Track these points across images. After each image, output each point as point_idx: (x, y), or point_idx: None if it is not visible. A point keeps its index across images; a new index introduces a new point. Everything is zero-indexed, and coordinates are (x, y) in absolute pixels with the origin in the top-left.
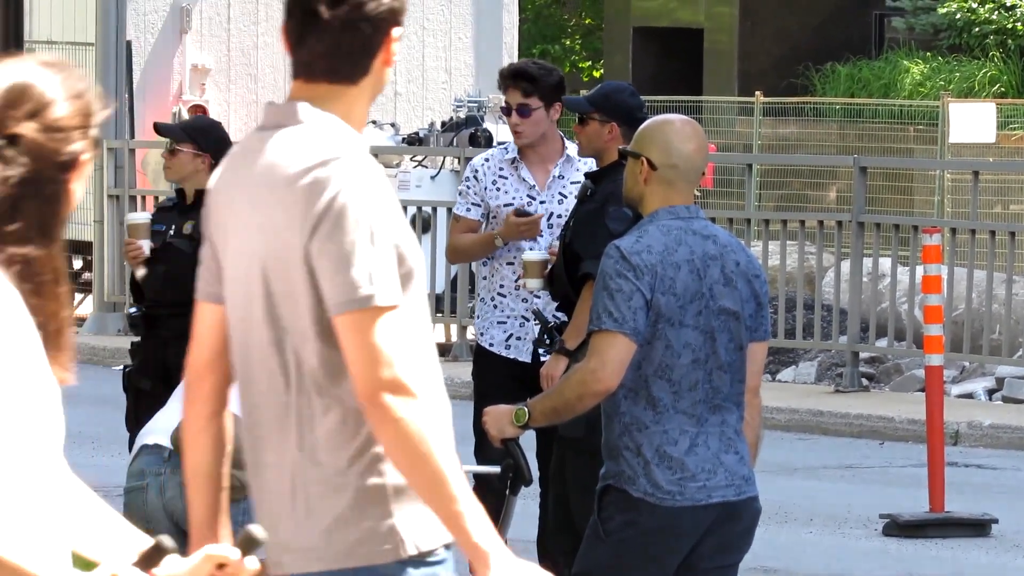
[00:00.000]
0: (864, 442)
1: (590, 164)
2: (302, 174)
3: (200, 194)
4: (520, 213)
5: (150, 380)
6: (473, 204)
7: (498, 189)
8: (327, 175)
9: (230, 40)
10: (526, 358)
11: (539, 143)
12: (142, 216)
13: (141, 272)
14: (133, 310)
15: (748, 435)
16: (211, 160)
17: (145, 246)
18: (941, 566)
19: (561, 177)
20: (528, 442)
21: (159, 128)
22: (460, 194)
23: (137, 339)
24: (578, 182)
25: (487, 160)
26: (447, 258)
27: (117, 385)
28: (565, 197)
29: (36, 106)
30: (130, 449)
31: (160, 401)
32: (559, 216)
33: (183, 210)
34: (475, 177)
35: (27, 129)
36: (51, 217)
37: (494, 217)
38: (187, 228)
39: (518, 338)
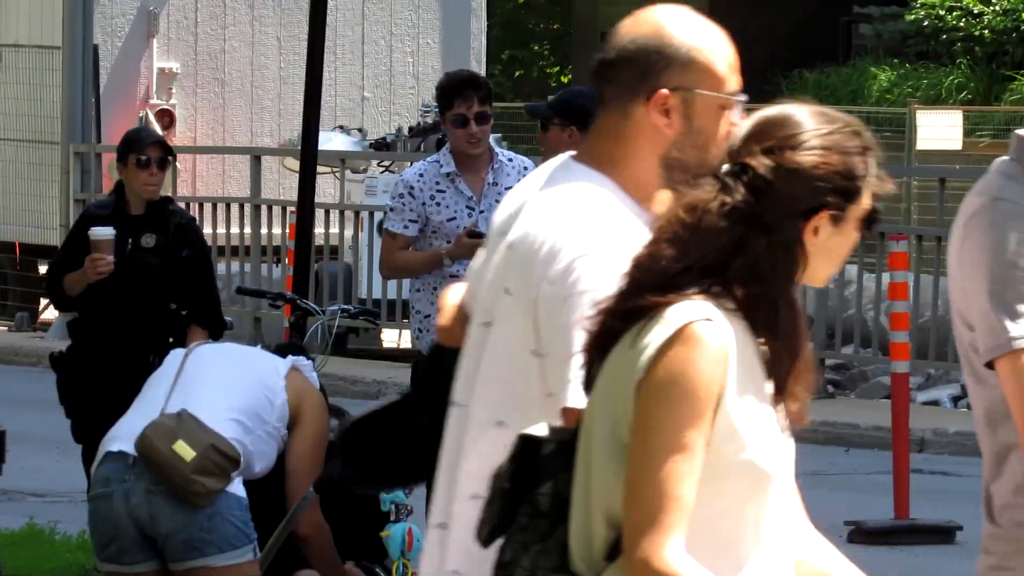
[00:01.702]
0: (830, 449)
1: (519, 168)
2: None
3: (153, 206)
4: (473, 234)
5: (97, 389)
6: (410, 221)
7: (438, 204)
8: None
9: (197, 44)
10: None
11: (482, 152)
12: (107, 231)
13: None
14: (70, 318)
15: None
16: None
17: (112, 261)
18: (907, 573)
19: (495, 184)
20: None
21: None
22: (393, 210)
23: (59, 349)
24: (512, 187)
25: (421, 176)
26: (382, 274)
27: None
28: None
29: (778, 143)
30: (84, 460)
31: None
32: None
33: (132, 221)
34: (410, 193)
35: (759, 162)
36: (774, 262)
37: (433, 232)
38: (147, 241)
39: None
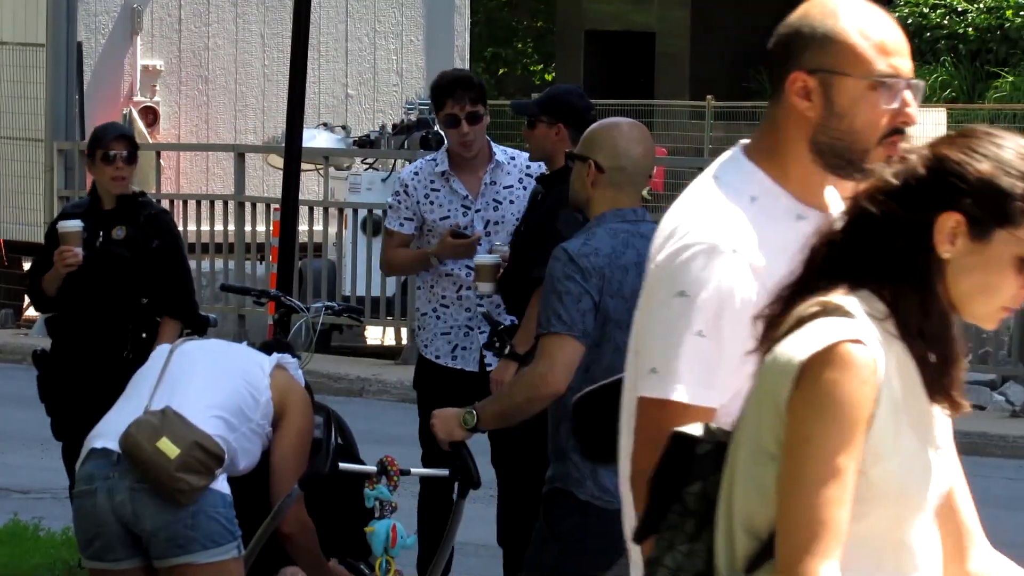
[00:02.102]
0: None
1: (520, 167)
2: None
3: (122, 199)
4: (456, 234)
5: (74, 386)
6: (406, 219)
7: (432, 203)
8: None
9: (181, 42)
10: (473, 367)
11: (478, 152)
12: (75, 224)
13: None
14: (45, 316)
15: None
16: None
17: (80, 254)
18: None
19: (493, 183)
20: (481, 444)
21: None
22: (391, 208)
23: (42, 347)
24: (511, 186)
25: (416, 174)
26: (382, 271)
27: None
28: (500, 203)
29: (952, 143)
30: (64, 457)
31: (86, 405)
32: (495, 223)
33: (104, 216)
34: (405, 192)
35: (917, 154)
36: (914, 260)
37: (429, 231)
38: (118, 233)
39: (463, 348)
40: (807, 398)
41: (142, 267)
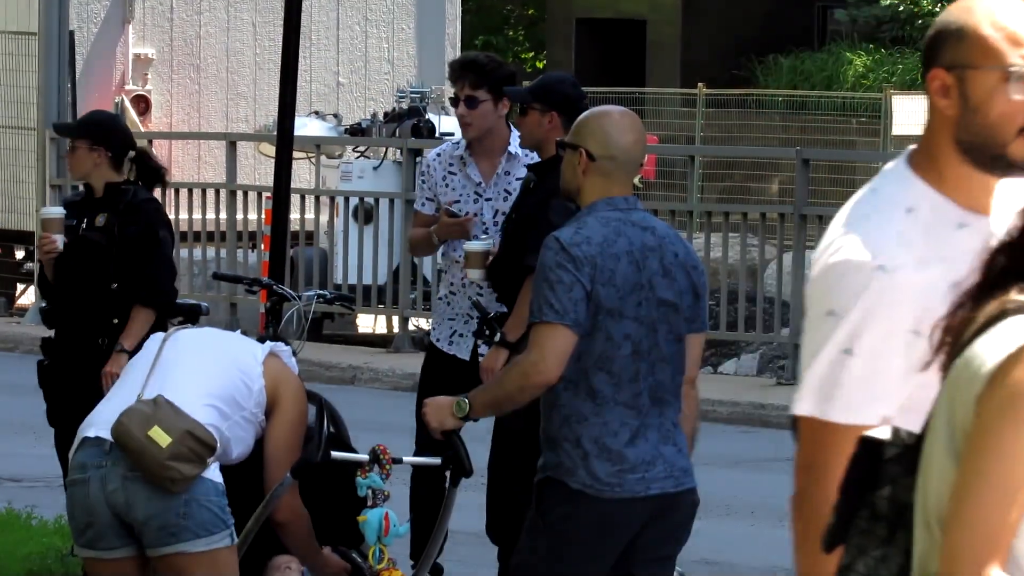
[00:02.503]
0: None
1: (532, 158)
2: None
3: (110, 188)
4: (449, 214)
5: (67, 373)
6: (427, 199)
7: (447, 185)
8: None
9: (173, 30)
10: (465, 355)
11: (486, 137)
12: (56, 210)
13: (49, 267)
14: (43, 305)
15: (685, 427)
16: (108, 153)
17: (59, 240)
18: None
19: (507, 174)
20: (474, 432)
21: (56, 128)
22: (418, 188)
23: (49, 334)
24: (521, 179)
25: (439, 155)
26: (410, 251)
27: None
28: (510, 195)
29: None
30: (56, 445)
31: (81, 393)
32: (504, 213)
33: (92, 204)
34: (428, 172)
35: None
36: None
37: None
38: (99, 220)
39: (461, 335)
40: (997, 397)
41: (115, 254)
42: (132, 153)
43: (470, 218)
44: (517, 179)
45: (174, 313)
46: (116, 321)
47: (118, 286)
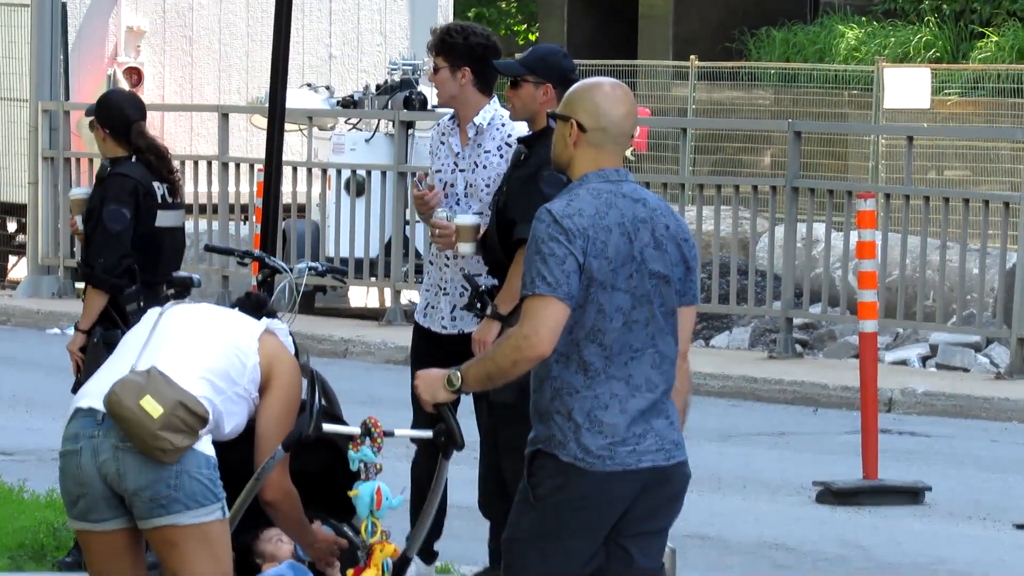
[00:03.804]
0: (798, 409)
1: (503, 135)
2: None
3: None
4: (416, 187)
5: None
6: (431, 170)
7: (435, 155)
8: None
9: (165, 2)
10: (437, 328)
11: (456, 106)
12: (77, 191)
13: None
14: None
15: (677, 401)
16: (105, 130)
17: (78, 221)
18: (875, 533)
19: (479, 146)
20: (467, 405)
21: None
22: None
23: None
24: (488, 151)
25: (438, 125)
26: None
27: (52, 349)
28: (477, 166)
29: None
30: None
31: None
32: (471, 185)
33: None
34: (431, 144)
35: None
36: None
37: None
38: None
39: (432, 307)
40: None
41: (87, 230)
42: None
43: (428, 192)
44: (485, 151)
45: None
46: (82, 298)
47: (79, 263)
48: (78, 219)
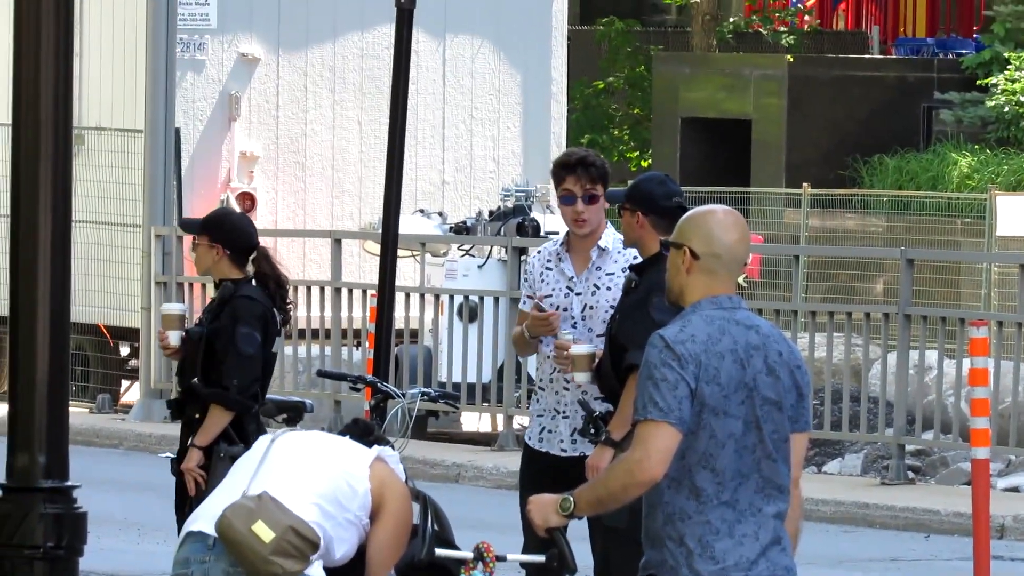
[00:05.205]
0: (910, 535)
1: (627, 258)
2: None
3: (220, 285)
4: (538, 309)
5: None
6: (528, 297)
7: (543, 281)
8: None
9: (278, 128)
10: (556, 451)
11: (593, 232)
12: (173, 307)
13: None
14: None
15: (789, 527)
16: (226, 251)
17: (172, 337)
18: None
19: (599, 268)
20: (578, 530)
21: (181, 224)
22: (522, 288)
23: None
24: (612, 273)
25: (539, 252)
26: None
27: (162, 471)
28: (598, 288)
29: None
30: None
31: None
32: (591, 308)
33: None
34: (529, 271)
35: None
36: None
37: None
38: (205, 316)
39: (550, 431)
40: None
41: (203, 349)
42: (255, 253)
43: (555, 313)
44: (607, 274)
45: (263, 412)
46: (197, 416)
47: (196, 381)
48: (170, 335)
